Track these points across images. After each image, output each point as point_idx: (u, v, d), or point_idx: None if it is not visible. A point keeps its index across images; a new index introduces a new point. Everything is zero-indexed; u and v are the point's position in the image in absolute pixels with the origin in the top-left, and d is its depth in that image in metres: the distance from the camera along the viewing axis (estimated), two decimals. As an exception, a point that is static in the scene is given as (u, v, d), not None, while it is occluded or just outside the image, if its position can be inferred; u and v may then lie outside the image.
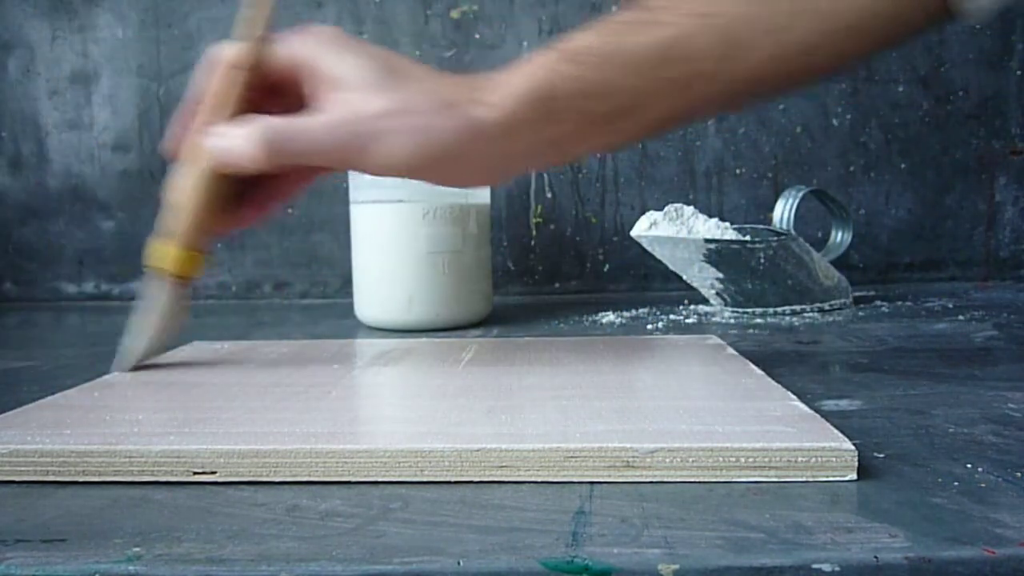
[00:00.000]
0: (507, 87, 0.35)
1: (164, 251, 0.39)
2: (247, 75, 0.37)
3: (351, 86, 0.35)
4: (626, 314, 0.68)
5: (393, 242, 0.60)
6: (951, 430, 0.32)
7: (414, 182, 0.62)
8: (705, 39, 0.34)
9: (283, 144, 0.35)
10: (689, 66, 0.34)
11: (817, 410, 0.32)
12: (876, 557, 0.21)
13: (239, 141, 0.36)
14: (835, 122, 0.86)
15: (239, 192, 0.39)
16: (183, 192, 0.38)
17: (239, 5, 0.87)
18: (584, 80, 0.34)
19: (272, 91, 0.38)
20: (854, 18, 0.35)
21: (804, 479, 0.26)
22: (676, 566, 0.21)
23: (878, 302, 0.73)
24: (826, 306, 0.69)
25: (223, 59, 0.38)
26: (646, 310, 0.70)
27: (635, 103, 0.35)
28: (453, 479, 0.27)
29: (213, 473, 0.27)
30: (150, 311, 0.40)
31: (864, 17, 0.35)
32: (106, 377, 0.40)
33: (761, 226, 0.72)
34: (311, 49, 0.36)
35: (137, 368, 0.41)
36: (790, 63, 0.35)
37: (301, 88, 0.37)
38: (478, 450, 0.27)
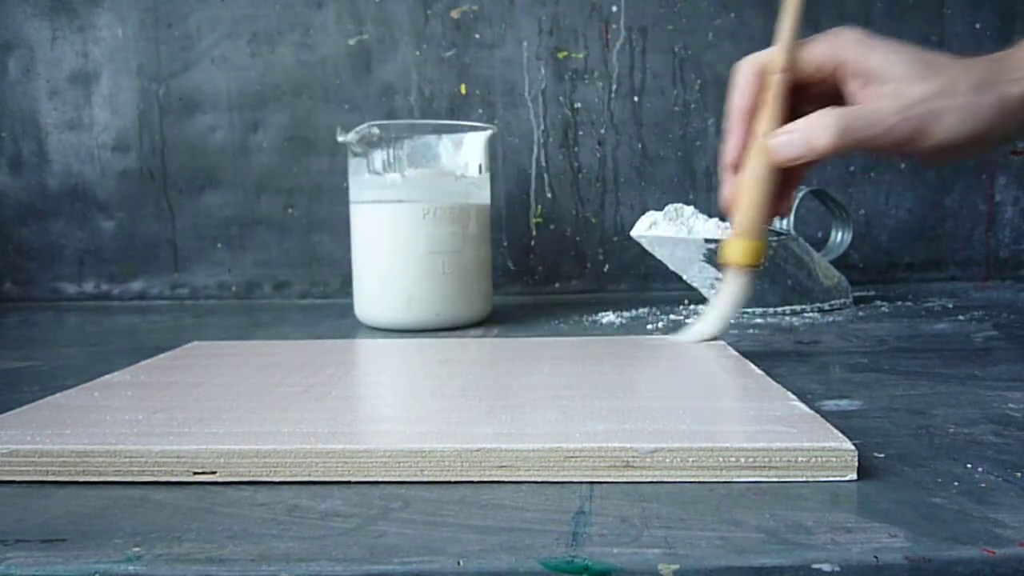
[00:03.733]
0: None
1: (737, 246, 0.43)
2: (789, 78, 0.41)
3: (889, 78, 0.38)
4: (626, 314, 0.68)
5: (393, 242, 0.60)
6: (951, 430, 0.32)
7: (414, 182, 0.62)
8: None
9: (856, 130, 0.39)
10: None
11: (817, 410, 0.32)
12: (876, 557, 0.21)
13: (817, 132, 0.39)
14: (835, 122, 0.86)
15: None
16: (748, 193, 0.42)
17: (239, 5, 0.86)
18: None
19: (797, 93, 0.41)
20: None
21: (804, 479, 0.26)
22: (676, 566, 0.21)
23: (878, 302, 0.73)
24: (826, 306, 0.69)
25: (765, 68, 0.42)
26: (646, 310, 0.70)
27: None
28: (453, 479, 0.27)
29: (213, 473, 0.27)
30: (724, 298, 0.46)
31: None
32: (106, 377, 0.40)
33: (761, 226, 0.71)
34: (841, 49, 0.40)
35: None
36: None
37: (832, 85, 0.40)
38: (478, 450, 0.27)
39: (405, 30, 0.84)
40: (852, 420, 0.34)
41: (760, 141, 0.41)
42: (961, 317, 0.64)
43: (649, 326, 0.62)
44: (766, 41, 0.43)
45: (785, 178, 0.43)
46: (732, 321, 0.47)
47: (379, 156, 0.61)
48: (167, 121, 0.86)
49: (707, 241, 0.64)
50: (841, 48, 0.40)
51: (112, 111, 0.86)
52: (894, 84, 0.38)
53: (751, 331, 0.59)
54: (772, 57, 0.41)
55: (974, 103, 0.37)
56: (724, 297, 0.46)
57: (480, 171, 0.64)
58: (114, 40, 0.85)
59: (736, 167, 0.43)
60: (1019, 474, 0.27)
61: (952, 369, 0.44)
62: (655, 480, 0.27)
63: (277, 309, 0.80)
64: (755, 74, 0.42)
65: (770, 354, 0.50)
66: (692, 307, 0.72)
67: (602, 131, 0.86)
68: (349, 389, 0.37)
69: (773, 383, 0.36)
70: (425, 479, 0.27)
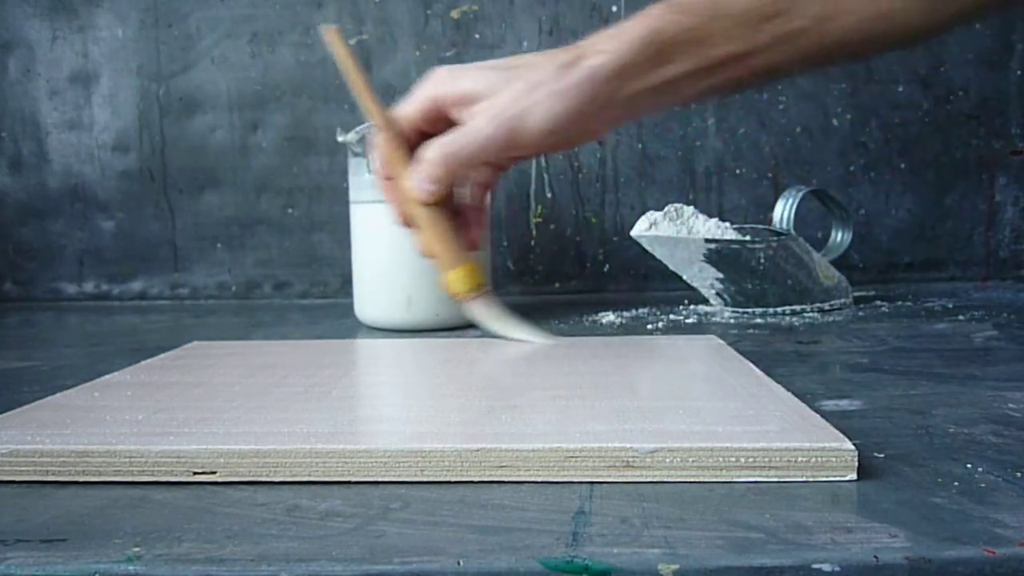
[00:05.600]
0: (619, 35, 0.39)
1: (449, 280, 0.46)
2: (393, 134, 0.44)
3: (483, 94, 0.41)
4: (626, 314, 0.68)
5: (393, 242, 0.60)
6: (951, 430, 0.32)
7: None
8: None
9: (456, 152, 0.42)
10: (792, 23, 0.38)
11: (817, 410, 0.32)
12: (876, 557, 0.21)
13: (424, 169, 0.43)
14: (835, 122, 0.86)
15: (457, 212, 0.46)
16: (424, 237, 0.45)
17: (239, 5, 0.86)
18: (695, 28, 0.38)
19: (430, 135, 0.44)
20: None
21: (804, 479, 0.26)
22: (676, 566, 0.21)
23: (878, 302, 0.73)
24: (826, 306, 0.69)
25: (377, 139, 0.45)
26: (646, 310, 0.70)
27: (742, 51, 0.38)
28: (453, 479, 0.27)
29: (213, 473, 0.27)
30: (489, 324, 0.48)
31: None
32: (106, 377, 0.40)
33: (761, 226, 0.72)
34: (433, 88, 0.42)
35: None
36: (886, 23, 0.38)
37: (449, 123, 0.43)
38: (478, 450, 0.27)
39: (405, 30, 0.84)
40: (852, 420, 0.34)
41: (400, 198, 0.45)
42: (961, 317, 0.64)
43: (649, 326, 0.62)
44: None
45: (457, 211, 0.46)
46: (522, 337, 0.49)
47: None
48: (167, 121, 0.86)
49: (707, 241, 0.64)
50: (432, 87, 0.42)
51: (112, 111, 0.86)
52: (485, 100, 0.40)
53: (751, 331, 0.59)
54: (377, 125, 0.45)
55: (558, 88, 0.39)
56: (489, 322, 0.48)
57: (480, 171, 0.64)
58: (114, 40, 0.85)
59: (408, 223, 0.46)
60: (1019, 474, 0.27)
61: (952, 369, 0.44)
62: (655, 480, 0.27)
63: (277, 309, 0.80)
64: (377, 142, 0.45)
65: (770, 354, 0.50)
66: (692, 307, 0.72)
67: (602, 131, 0.86)
68: (349, 389, 0.37)
69: (773, 383, 0.36)
70: (425, 479, 0.27)
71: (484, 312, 0.48)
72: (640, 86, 0.39)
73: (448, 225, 0.45)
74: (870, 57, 0.37)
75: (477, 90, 0.41)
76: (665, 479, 0.27)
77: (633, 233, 0.67)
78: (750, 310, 0.68)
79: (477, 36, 0.84)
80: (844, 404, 0.37)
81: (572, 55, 0.39)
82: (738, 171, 0.87)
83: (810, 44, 0.38)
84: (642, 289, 0.87)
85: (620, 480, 0.27)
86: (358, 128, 0.60)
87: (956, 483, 0.26)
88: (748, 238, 0.65)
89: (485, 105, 0.41)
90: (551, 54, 0.40)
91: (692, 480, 0.27)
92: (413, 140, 0.44)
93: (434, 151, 0.42)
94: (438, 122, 0.43)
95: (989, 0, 0.39)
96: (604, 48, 0.39)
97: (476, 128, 0.41)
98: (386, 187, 0.45)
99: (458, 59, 0.84)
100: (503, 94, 0.40)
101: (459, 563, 0.21)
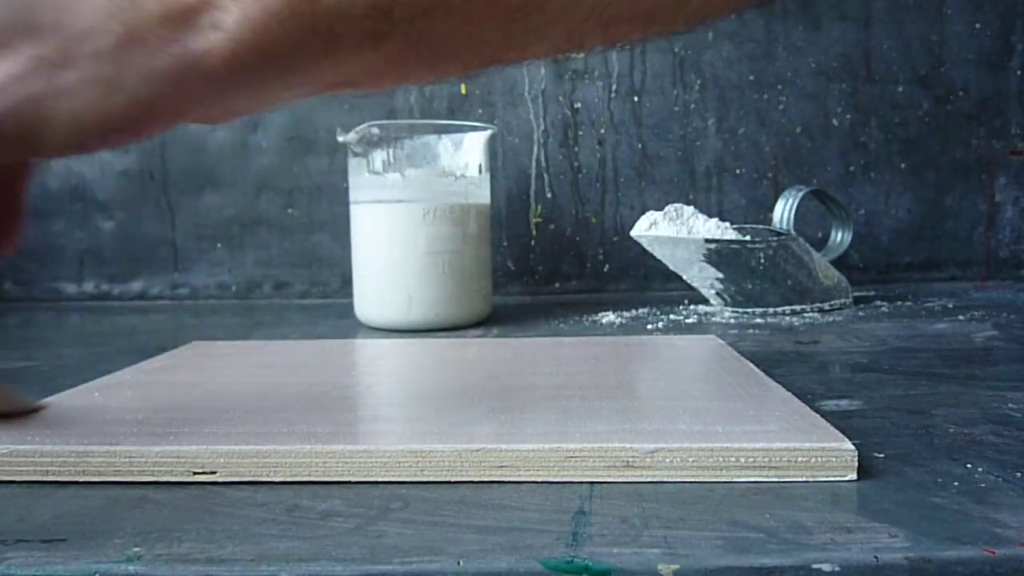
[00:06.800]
0: None
1: None
2: None
3: None
4: (626, 314, 0.68)
5: (393, 242, 0.60)
6: (951, 430, 0.32)
7: (414, 182, 0.62)
8: None
9: None
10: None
11: (817, 410, 0.32)
12: (876, 557, 0.21)
13: None
14: (835, 122, 0.86)
15: None
16: None
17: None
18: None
19: None
20: None
21: (804, 479, 0.26)
22: (676, 566, 0.21)
23: (878, 302, 0.73)
24: (826, 306, 0.69)
25: None
26: (646, 310, 0.70)
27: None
28: (453, 479, 0.27)
29: (213, 473, 0.27)
30: None
31: None
32: (106, 377, 0.40)
33: (761, 226, 0.72)
34: None
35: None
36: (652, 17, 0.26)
37: None
38: (478, 450, 0.27)
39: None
40: (852, 420, 0.34)
41: None
42: (961, 317, 0.64)
43: (649, 326, 0.62)
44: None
45: None
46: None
47: (379, 156, 0.61)
48: (167, 121, 0.86)
49: (707, 241, 0.64)
50: None
51: (112, 111, 0.86)
52: None
53: (751, 331, 0.59)
54: None
55: (113, 75, 0.22)
56: None
57: (480, 171, 0.64)
58: (114, 40, 0.85)
59: None
60: (1019, 474, 0.27)
61: (952, 369, 0.44)
62: (655, 480, 0.27)
63: (277, 309, 0.80)
64: None
65: (770, 354, 0.50)
66: (692, 307, 0.72)
67: (602, 131, 0.86)
68: (349, 389, 0.37)
69: (773, 383, 0.36)
70: (425, 479, 0.27)
71: None
72: (288, 79, 0.24)
73: None
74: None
75: None
76: (665, 479, 0.27)
77: (633, 233, 0.67)
78: (750, 310, 0.68)
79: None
80: (844, 404, 0.37)
81: (165, 11, 0.22)
82: (738, 171, 0.87)
83: (557, 35, 0.25)
84: (642, 289, 0.87)
85: (620, 480, 0.27)
86: (358, 128, 0.60)
87: (956, 483, 0.26)
88: (748, 238, 0.65)
89: None
90: None
91: (692, 480, 0.27)
92: None
93: None
94: None
95: None
96: (227, 23, 0.22)
97: None
98: None
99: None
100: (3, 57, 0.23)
101: (459, 563, 0.21)
